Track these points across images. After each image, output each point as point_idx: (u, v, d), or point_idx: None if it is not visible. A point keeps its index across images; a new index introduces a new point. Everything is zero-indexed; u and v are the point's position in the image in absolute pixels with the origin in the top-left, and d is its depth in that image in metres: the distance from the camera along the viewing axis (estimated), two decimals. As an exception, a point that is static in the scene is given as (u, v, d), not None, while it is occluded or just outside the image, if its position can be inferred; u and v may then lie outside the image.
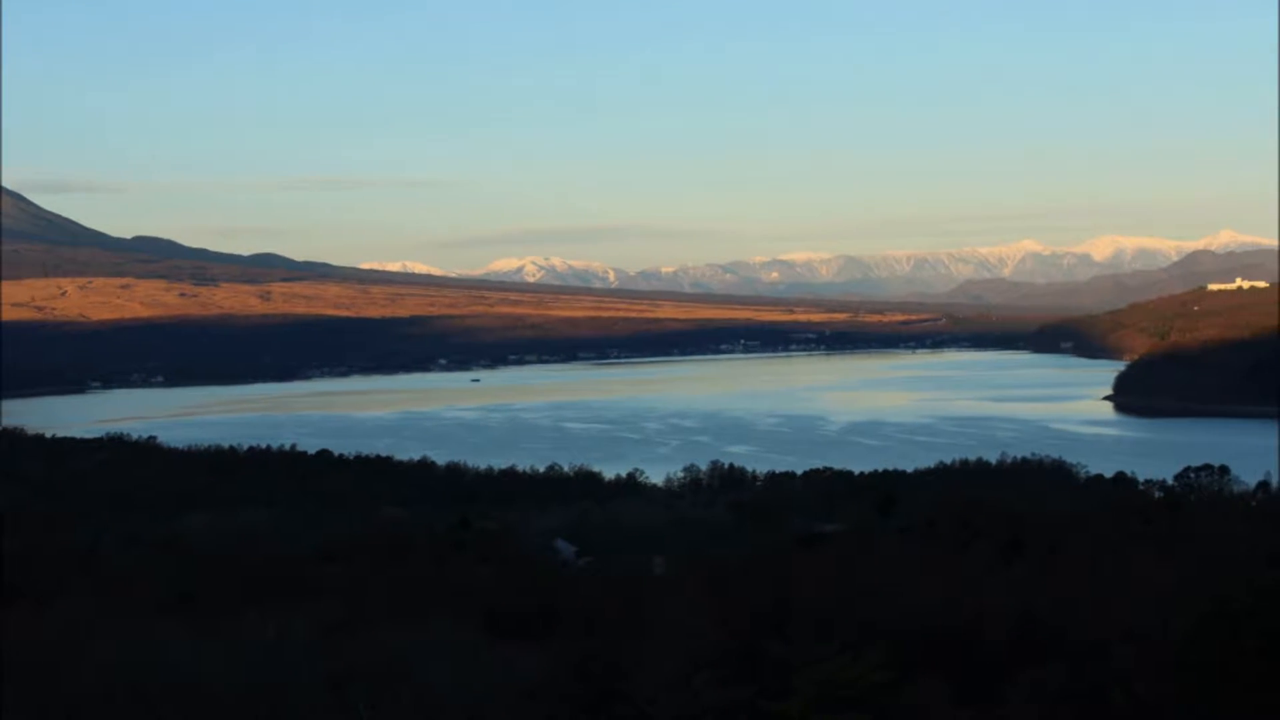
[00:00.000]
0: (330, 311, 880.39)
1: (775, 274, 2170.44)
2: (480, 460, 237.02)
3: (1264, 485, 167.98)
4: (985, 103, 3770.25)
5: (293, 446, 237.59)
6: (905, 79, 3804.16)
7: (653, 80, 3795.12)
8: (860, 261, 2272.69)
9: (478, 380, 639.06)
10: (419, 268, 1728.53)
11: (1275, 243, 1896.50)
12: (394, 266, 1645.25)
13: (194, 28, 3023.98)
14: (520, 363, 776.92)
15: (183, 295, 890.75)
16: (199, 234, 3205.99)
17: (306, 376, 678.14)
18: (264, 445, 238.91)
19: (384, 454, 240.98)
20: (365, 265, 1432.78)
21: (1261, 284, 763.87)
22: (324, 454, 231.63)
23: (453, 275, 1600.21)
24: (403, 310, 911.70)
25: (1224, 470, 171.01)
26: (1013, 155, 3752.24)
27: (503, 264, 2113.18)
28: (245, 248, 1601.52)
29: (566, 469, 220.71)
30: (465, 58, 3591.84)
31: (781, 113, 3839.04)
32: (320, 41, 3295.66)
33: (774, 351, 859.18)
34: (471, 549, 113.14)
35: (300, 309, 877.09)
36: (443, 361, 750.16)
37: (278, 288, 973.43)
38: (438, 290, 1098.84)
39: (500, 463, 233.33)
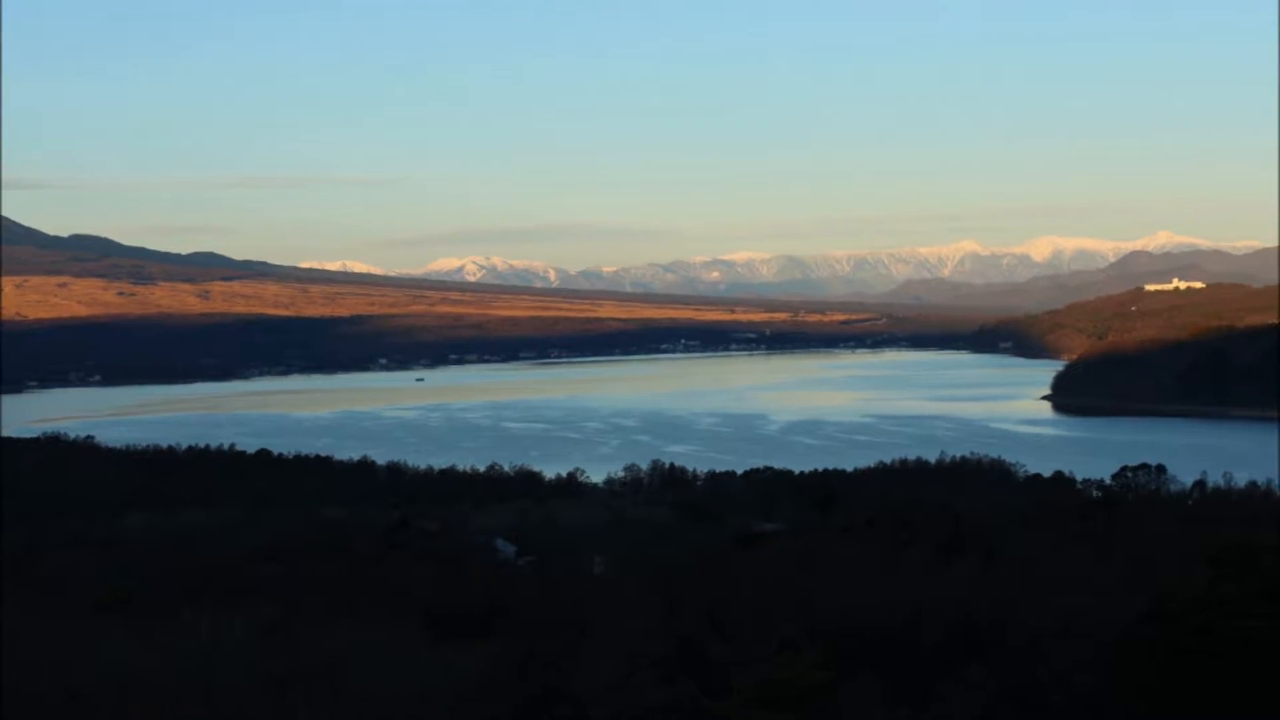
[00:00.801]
0: (270, 311, 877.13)
1: (716, 274, 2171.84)
2: (420, 460, 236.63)
3: (1200, 485, 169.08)
4: (925, 103, 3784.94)
5: (231, 446, 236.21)
6: (845, 79, 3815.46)
7: (594, 80, 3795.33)
8: (801, 261, 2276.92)
9: (422, 380, 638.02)
10: (359, 267, 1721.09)
11: (1211, 244, 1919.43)
12: (334, 266, 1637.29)
13: (129, 25, 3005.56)
14: (461, 362, 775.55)
15: (121, 294, 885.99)
16: (137, 232, 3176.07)
17: (245, 376, 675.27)
18: (202, 445, 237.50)
19: (323, 454, 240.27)
20: (305, 264, 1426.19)
21: (1198, 284, 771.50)
22: (263, 454, 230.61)
23: (393, 274, 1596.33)
24: (342, 310, 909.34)
25: (1161, 470, 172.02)
26: (952, 156, 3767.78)
27: (443, 263, 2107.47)
28: (184, 246, 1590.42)
29: (507, 469, 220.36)
30: (406, 55, 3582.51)
31: (722, 113, 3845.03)
32: (259, 39, 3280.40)
33: (715, 351, 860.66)
34: (411, 549, 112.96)
35: (240, 308, 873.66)
36: (383, 361, 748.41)
37: (217, 287, 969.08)
38: (378, 290, 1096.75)
39: (440, 462, 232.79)
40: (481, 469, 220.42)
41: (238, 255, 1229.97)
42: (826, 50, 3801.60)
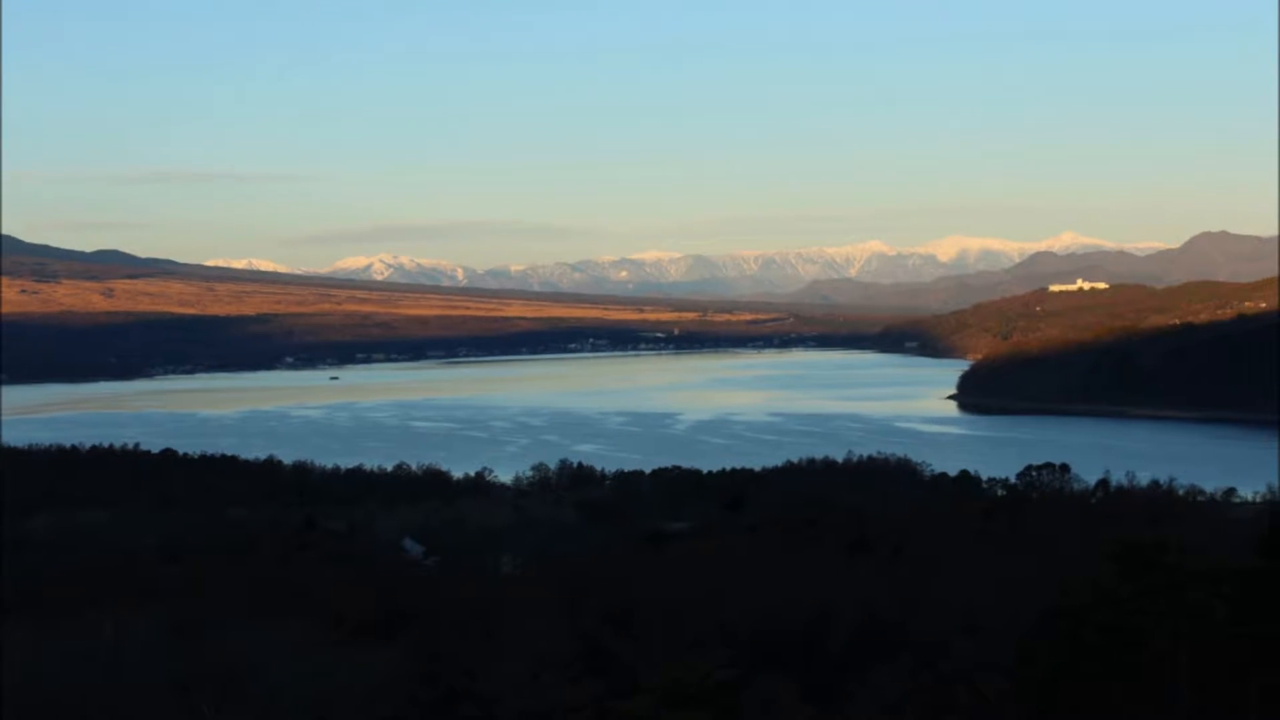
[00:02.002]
0: (175, 309, 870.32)
1: (624, 273, 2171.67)
2: (327, 459, 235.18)
3: (1103, 483, 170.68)
4: (831, 104, 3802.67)
5: (136, 445, 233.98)
6: (751, 80, 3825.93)
7: (502, 79, 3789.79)
8: (709, 261, 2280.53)
9: (336, 378, 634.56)
10: (265, 265, 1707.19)
11: (1115, 245, 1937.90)
12: (239, 264, 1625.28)
13: (31, 18, 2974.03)
14: (368, 361, 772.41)
15: (23, 292, 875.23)
16: (39, 229, 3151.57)
17: (150, 375, 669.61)
18: (106, 444, 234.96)
19: (229, 453, 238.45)
20: (210, 262, 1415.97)
21: (1101, 285, 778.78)
22: (168, 453, 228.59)
23: (300, 273, 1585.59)
24: (248, 308, 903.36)
25: (1065, 468, 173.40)
26: (859, 156, 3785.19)
27: (350, 262, 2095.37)
28: (88, 244, 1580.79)
29: (414, 468, 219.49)
30: (312, 52, 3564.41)
31: (630, 112, 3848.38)
32: (165, 33, 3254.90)
33: (623, 351, 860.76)
34: (318, 549, 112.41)
35: (144, 306, 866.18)
36: (289, 360, 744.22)
37: (121, 285, 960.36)
38: (284, 288, 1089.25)
39: (347, 462, 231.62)
40: (389, 468, 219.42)
41: (142, 253, 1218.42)
42: (733, 51, 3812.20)
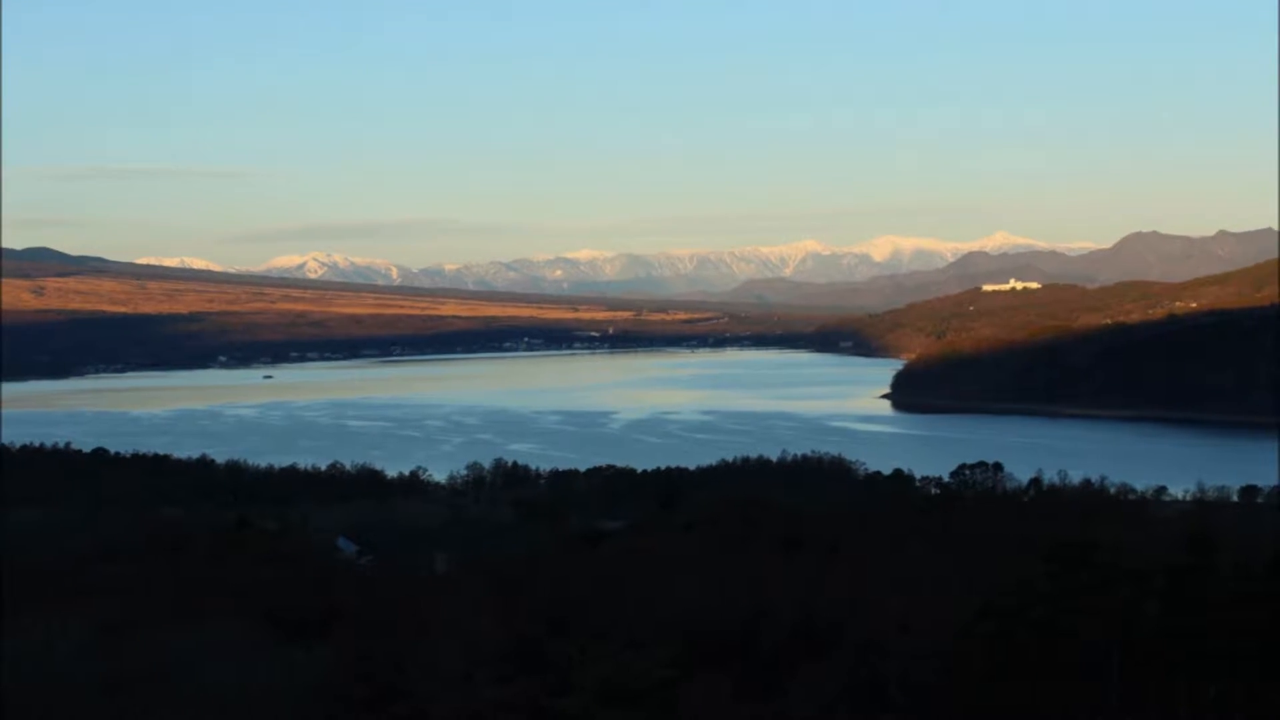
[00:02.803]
0: (106, 308, 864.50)
1: (559, 272, 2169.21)
2: (260, 459, 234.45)
3: (1036, 481, 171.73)
4: (765, 105, 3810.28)
5: (67, 445, 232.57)
6: (685, 81, 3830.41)
7: (437, 76, 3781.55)
8: (644, 260, 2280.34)
9: (270, 377, 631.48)
10: (198, 263, 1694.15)
11: (1047, 245, 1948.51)
12: (172, 262, 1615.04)
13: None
14: (302, 360, 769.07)
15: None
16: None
17: (82, 374, 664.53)
18: (37, 443, 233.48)
19: (161, 452, 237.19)
20: (143, 260, 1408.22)
21: (1033, 285, 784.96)
22: (100, 452, 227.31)
23: (233, 271, 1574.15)
24: (181, 307, 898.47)
25: (998, 467, 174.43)
26: (794, 156, 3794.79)
27: (284, 260, 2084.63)
28: (17, 241, 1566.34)
29: (348, 467, 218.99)
30: (247, 49, 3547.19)
31: (565, 111, 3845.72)
32: (98, 29, 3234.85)
33: (558, 350, 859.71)
34: (251, 548, 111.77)
35: (75, 304, 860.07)
36: (222, 359, 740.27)
37: (51, 283, 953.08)
38: (217, 287, 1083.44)
39: (281, 461, 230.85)
40: (323, 467, 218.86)
41: (73, 250, 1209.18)
42: (667, 50, 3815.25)
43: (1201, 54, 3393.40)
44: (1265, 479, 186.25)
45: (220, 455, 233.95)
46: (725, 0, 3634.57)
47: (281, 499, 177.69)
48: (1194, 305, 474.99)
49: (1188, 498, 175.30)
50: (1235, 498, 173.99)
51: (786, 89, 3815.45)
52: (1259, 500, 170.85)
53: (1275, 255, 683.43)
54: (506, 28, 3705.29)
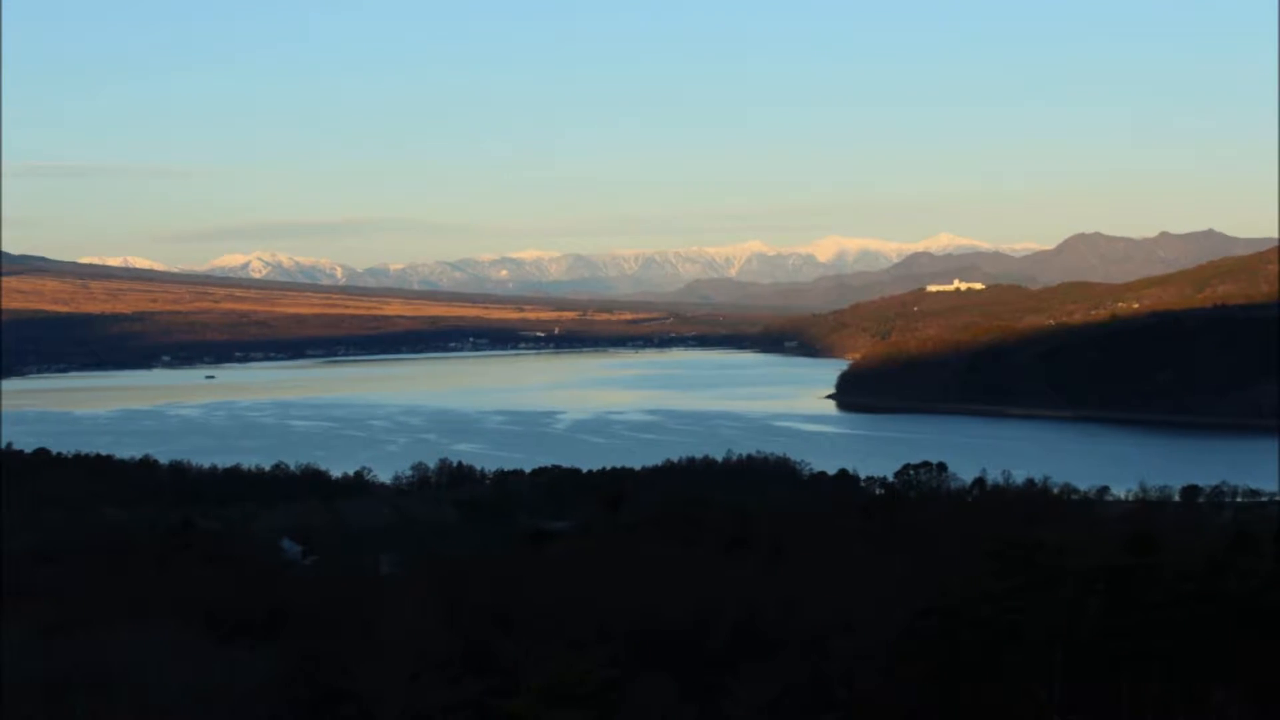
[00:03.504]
0: (48, 307, 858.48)
1: (504, 272, 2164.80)
2: (204, 459, 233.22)
3: (980, 481, 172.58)
4: (710, 104, 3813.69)
5: (9, 445, 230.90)
6: (630, 80, 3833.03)
7: (380, 75, 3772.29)
8: (589, 260, 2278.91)
9: (212, 377, 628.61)
10: (141, 263, 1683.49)
11: (991, 246, 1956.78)
12: (115, 261, 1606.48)
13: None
14: (246, 360, 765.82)
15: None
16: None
17: (23, 374, 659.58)
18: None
19: (104, 453, 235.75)
20: (85, 260, 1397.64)
21: (977, 286, 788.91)
22: (41, 453, 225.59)
23: (176, 270, 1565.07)
24: (124, 306, 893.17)
25: (942, 467, 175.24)
26: (738, 157, 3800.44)
27: (228, 259, 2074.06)
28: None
29: (293, 468, 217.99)
30: (190, 47, 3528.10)
31: (510, 111, 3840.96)
32: (38, 27, 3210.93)
33: (504, 350, 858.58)
34: (195, 549, 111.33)
35: (17, 304, 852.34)
36: (166, 359, 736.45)
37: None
38: (161, 286, 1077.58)
39: (225, 461, 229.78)
40: (267, 468, 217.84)
41: (14, 249, 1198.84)
42: (610, 51, 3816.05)
43: (1144, 57, 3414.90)
44: (1206, 479, 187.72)
45: (163, 455, 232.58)
46: (676, 1, 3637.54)
47: (225, 500, 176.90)
48: (1136, 306, 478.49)
49: (1130, 498, 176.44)
50: (1177, 497, 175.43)
51: (732, 90, 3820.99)
52: (1200, 500, 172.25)
53: (1216, 257, 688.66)
54: (452, 27, 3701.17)
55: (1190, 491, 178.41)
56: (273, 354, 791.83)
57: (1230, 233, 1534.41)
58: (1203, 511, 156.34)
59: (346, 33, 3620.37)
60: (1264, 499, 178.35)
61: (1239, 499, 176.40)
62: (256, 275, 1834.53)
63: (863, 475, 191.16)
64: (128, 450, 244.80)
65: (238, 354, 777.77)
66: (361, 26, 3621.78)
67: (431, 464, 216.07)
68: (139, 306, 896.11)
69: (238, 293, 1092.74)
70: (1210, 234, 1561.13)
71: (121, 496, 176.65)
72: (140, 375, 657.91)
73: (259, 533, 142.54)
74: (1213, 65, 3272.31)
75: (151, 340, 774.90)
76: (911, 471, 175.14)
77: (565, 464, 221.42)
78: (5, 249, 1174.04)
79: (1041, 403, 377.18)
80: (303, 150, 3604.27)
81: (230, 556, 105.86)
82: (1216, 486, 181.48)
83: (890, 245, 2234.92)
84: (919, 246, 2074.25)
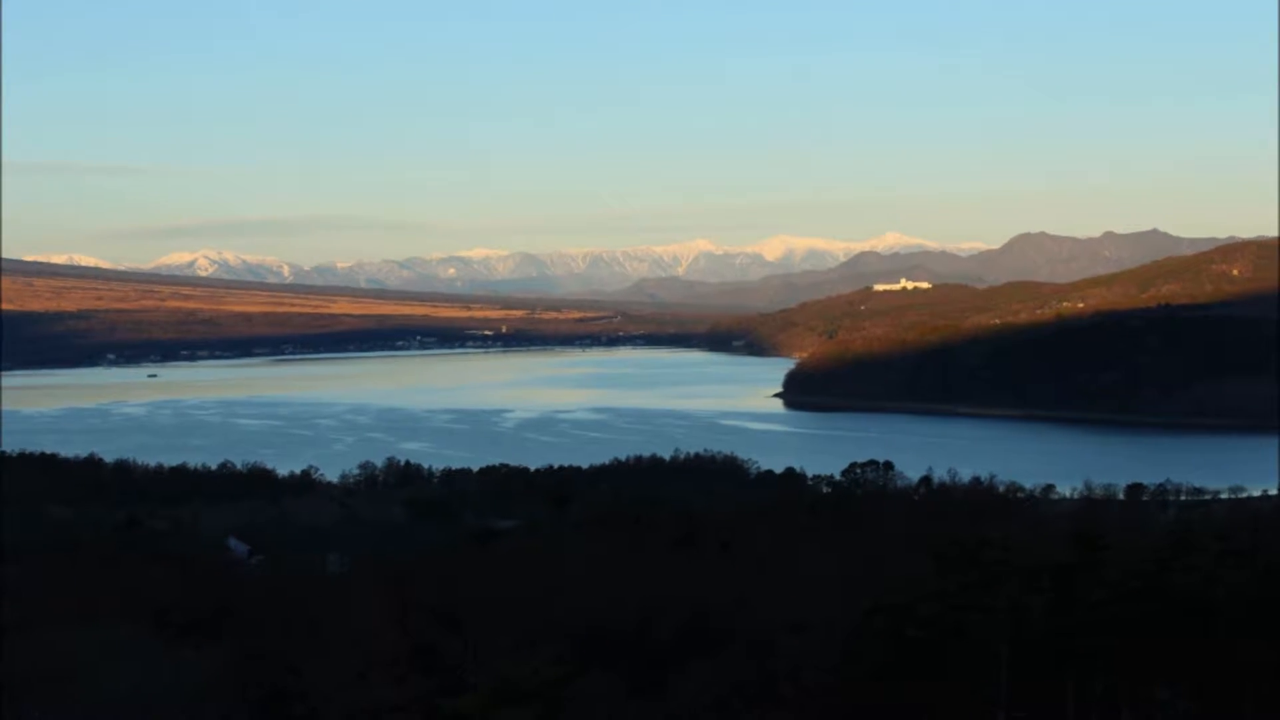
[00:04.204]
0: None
1: (453, 271, 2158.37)
2: (150, 458, 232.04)
3: (926, 480, 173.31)
4: (658, 104, 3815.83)
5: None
6: (577, 79, 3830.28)
7: (327, 74, 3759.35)
8: (537, 259, 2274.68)
9: (155, 375, 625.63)
10: (87, 261, 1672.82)
11: (938, 245, 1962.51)
12: (60, 259, 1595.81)
13: None
14: (193, 359, 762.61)
15: None
16: None
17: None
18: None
19: (48, 451, 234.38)
20: (30, 258, 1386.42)
21: (924, 285, 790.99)
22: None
23: (122, 269, 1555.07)
24: (69, 304, 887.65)
25: (889, 465, 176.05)
26: (686, 156, 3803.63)
27: (175, 258, 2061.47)
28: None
29: (239, 466, 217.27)
30: (136, 44, 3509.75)
31: (457, 110, 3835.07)
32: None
33: (451, 349, 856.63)
34: (141, 549, 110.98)
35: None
36: (111, 357, 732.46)
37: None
38: (106, 284, 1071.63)
39: (171, 460, 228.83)
40: (213, 467, 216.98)
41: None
42: (560, 49, 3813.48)
43: (1089, 58, 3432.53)
44: (1151, 477, 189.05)
45: (109, 454, 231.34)
46: (626, 1, 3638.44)
47: (172, 499, 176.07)
48: (1081, 306, 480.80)
49: (1075, 496, 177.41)
50: (1121, 496, 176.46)
51: (678, 88, 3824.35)
52: (1145, 499, 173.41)
53: (1161, 256, 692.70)
54: (400, 25, 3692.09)
55: (1135, 490, 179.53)
56: (219, 352, 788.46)
57: (1174, 232, 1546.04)
58: (1147, 510, 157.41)
59: (294, 31, 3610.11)
60: (1207, 497, 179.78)
61: (1183, 497, 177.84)
62: (203, 273, 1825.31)
63: (810, 474, 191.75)
64: (73, 449, 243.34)
65: (184, 352, 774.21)
66: (310, 24, 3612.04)
67: (379, 463, 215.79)
68: (84, 305, 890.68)
69: (184, 291, 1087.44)
70: (1154, 234, 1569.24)
71: (67, 495, 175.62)
72: (86, 374, 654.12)
73: (205, 532, 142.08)
74: (1156, 66, 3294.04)
75: (97, 339, 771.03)
76: (858, 470, 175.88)
77: (513, 463, 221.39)
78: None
79: (987, 401, 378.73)
80: (250, 149, 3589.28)
81: (177, 556, 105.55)
82: (1161, 485, 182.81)
83: (837, 244, 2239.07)
84: (866, 246, 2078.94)
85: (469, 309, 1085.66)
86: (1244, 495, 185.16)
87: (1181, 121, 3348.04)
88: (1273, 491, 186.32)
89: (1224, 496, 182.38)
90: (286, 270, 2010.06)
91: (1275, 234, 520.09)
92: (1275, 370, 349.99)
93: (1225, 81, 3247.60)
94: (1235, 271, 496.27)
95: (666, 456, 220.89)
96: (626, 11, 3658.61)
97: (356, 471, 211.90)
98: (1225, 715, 44.68)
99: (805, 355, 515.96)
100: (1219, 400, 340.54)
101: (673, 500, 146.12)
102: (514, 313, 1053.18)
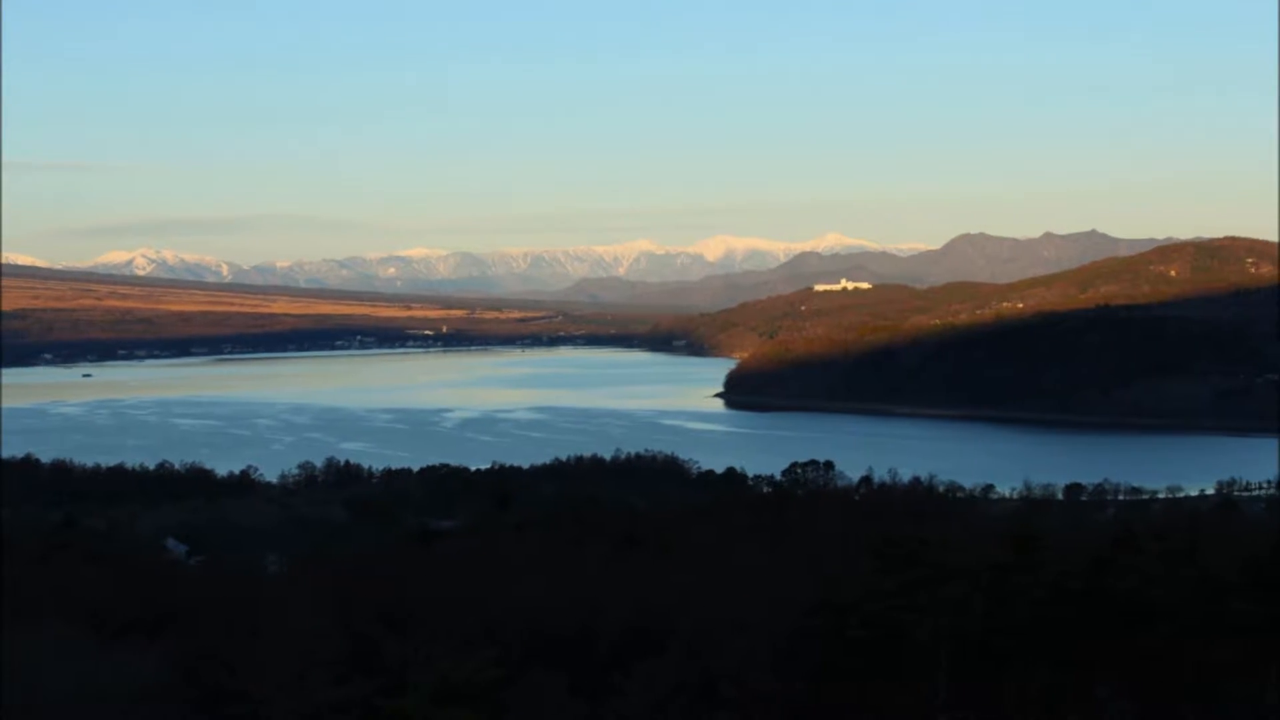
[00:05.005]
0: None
1: (393, 270, 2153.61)
2: (87, 458, 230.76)
3: (867, 479, 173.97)
4: (599, 103, 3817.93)
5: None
6: (521, 81, 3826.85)
7: (269, 72, 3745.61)
8: (477, 259, 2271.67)
9: (89, 375, 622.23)
10: (23, 259, 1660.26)
11: (878, 246, 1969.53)
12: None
13: None
14: (130, 358, 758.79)
15: None
16: None
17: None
18: None
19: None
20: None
21: (865, 285, 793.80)
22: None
23: (59, 267, 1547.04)
24: (5, 304, 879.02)
25: (829, 465, 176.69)
26: (627, 155, 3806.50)
27: (112, 256, 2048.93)
28: None
29: (177, 466, 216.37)
30: (75, 41, 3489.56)
31: (397, 108, 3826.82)
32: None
33: (391, 349, 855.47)
34: (78, 549, 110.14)
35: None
36: (48, 356, 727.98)
37: None
38: (43, 283, 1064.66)
39: (108, 460, 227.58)
40: (151, 467, 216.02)
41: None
42: (503, 49, 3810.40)
43: (1025, 60, 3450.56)
44: (1089, 477, 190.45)
45: (45, 454, 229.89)
46: (563, 3, 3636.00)
47: (109, 499, 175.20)
48: (1021, 306, 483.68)
49: (1015, 495, 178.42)
50: (1060, 495, 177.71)
51: (616, 87, 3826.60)
52: (1083, 498, 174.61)
53: (1099, 257, 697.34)
54: (339, 28, 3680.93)
55: (1073, 490, 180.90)
56: (157, 352, 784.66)
57: (1113, 233, 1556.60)
58: (1085, 509, 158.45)
59: (230, 28, 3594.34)
60: (1145, 497, 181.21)
61: (1121, 497, 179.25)
62: (141, 272, 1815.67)
63: (751, 473, 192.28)
64: (9, 449, 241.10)
65: (121, 352, 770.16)
66: (245, 23, 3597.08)
67: (318, 463, 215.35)
68: (20, 304, 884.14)
69: (121, 290, 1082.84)
70: (1093, 235, 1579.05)
71: (3, 496, 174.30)
72: (22, 373, 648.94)
73: (143, 532, 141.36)
74: (1092, 69, 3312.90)
75: (33, 338, 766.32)
76: (799, 470, 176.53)
77: (453, 463, 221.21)
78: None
79: (928, 401, 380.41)
80: (188, 147, 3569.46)
81: (114, 556, 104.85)
82: (1099, 485, 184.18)
83: (778, 245, 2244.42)
84: (806, 246, 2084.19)
85: (409, 309, 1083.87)
86: (1181, 495, 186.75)
87: (1121, 124, 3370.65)
88: (1210, 491, 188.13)
89: (1161, 496, 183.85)
90: (225, 269, 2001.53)
91: (1211, 235, 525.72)
92: (1204, 371, 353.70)
93: (1164, 83, 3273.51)
94: (1173, 272, 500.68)
95: (607, 456, 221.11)
96: (565, 14, 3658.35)
97: (296, 472, 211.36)
98: (1163, 714, 44.88)
99: (746, 355, 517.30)
100: (1157, 400, 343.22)
101: (614, 500, 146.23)
102: (454, 312, 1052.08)
